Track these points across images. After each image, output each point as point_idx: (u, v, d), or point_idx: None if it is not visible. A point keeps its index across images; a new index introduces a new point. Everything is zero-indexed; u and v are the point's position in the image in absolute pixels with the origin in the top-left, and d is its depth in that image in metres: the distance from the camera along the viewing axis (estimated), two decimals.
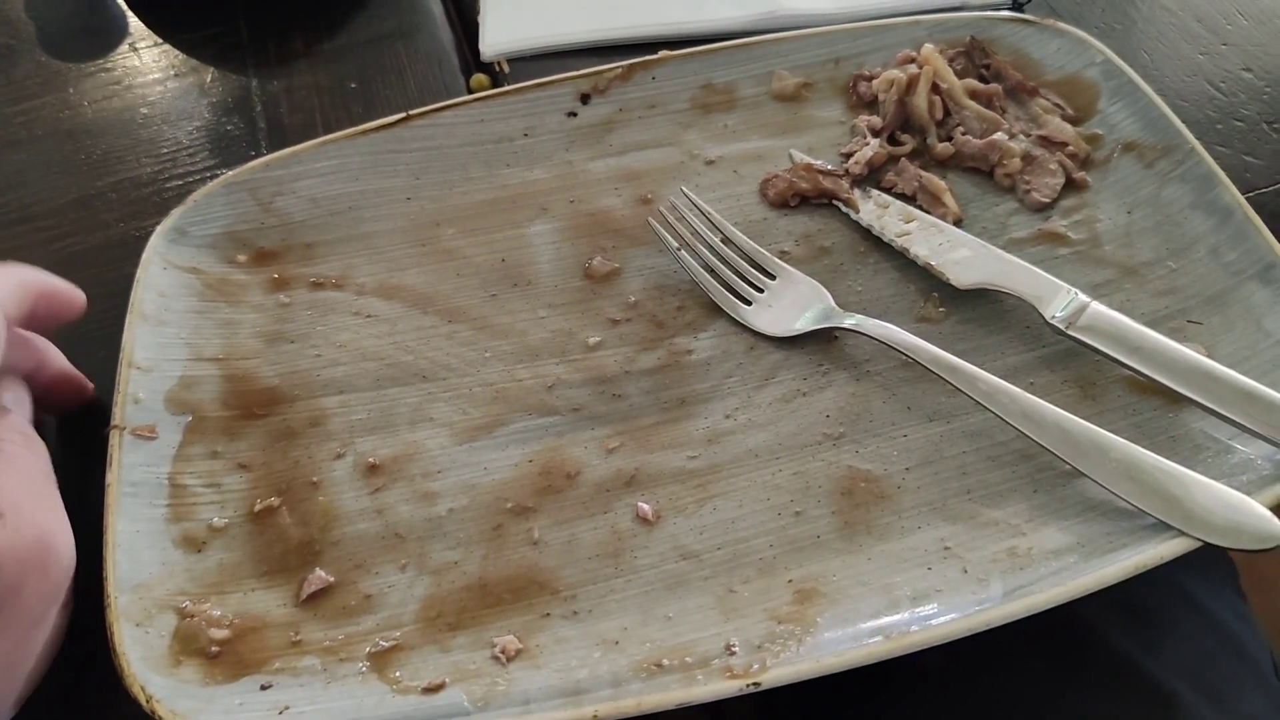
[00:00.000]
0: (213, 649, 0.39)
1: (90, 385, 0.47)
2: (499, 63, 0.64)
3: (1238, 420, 0.41)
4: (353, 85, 0.63)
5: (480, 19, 0.66)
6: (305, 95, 0.62)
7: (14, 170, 0.60)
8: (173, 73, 0.65)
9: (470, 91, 0.62)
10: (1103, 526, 0.41)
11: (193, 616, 0.40)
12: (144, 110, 0.63)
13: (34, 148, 0.61)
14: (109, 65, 0.66)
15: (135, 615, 0.39)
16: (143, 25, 0.68)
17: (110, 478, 0.42)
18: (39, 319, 0.43)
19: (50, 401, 0.45)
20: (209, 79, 0.64)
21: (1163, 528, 0.39)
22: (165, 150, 0.60)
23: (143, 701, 0.37)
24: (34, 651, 0.37)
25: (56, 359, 0.45)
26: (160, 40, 0.67)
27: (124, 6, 0.69)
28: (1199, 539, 0.39)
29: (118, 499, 0.42)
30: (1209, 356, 0.43)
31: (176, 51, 0.66)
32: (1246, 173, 0.54)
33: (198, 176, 0.58)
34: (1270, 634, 0.55)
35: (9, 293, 0.41)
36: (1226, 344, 0.46)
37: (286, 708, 0.38)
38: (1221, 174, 0.49)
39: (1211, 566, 0.56)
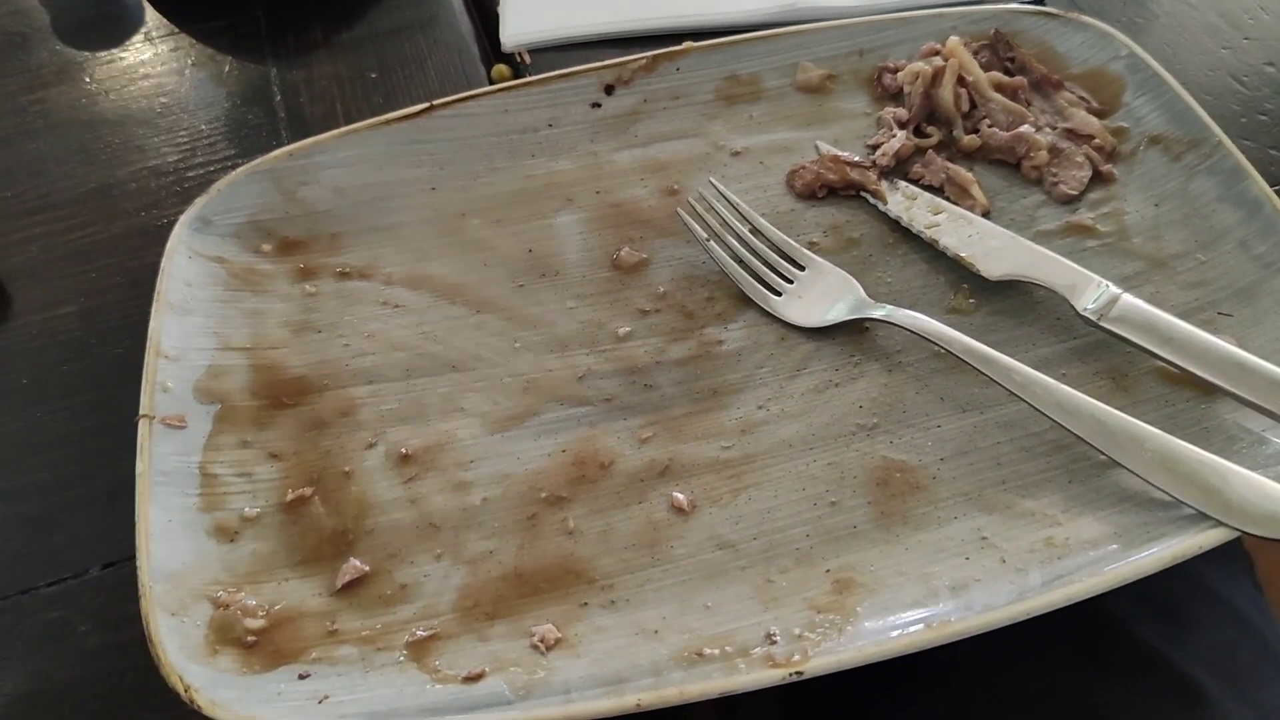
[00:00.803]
0: (249, 638, 0.39)
1: None
2: (520, 53, 0.64)
3: (1272, 410, 0.41)
4: (373, 75, 0.63)
5: (500, 9, 0.65)
6: (325, 85, 0.62)
7: (32, 159, 0.59)
8: (190, 62, 0.65)
9: (491, 82, 0.62)
10: (1139, 516, 0.41)
11: (228, 606, 0.40)
12: (162, 100, 0.62)
13: (51, 136, 0.61)
14: (125, 54, 0.65)
15: (171, 605, 0.39)
16: (158, 14, 0.68)
17: (141, 467, 0.42)
18: None
19: None
20: (227, 69, 0.64)
21: (1199, 518, 0.39)
22: (184, 140, 0.60)
23: (181, 691, 0.36)
24: None
25: None
26: (176, 30, 0.67)
27: None
28: (1238, 529, 0.39)
29: (149, 488, 0.42)
30: (1240, 348, 0.43)
31: (193, 41, 0.66)
32: (1272, 166, 0.55)
33: (218, 166, 0.58)
34: None
35: None
36: (1258, 336, 0.46)
37: (326, 697, 0.37)
38: (1250, 167, 0.49)
39: (1230, 559, 0.57)
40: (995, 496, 0.42)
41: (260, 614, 0.40)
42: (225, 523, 0.43)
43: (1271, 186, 0.49)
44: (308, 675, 0.38)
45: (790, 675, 0.36)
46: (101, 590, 0.43)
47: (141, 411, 0.43)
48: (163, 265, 0.48)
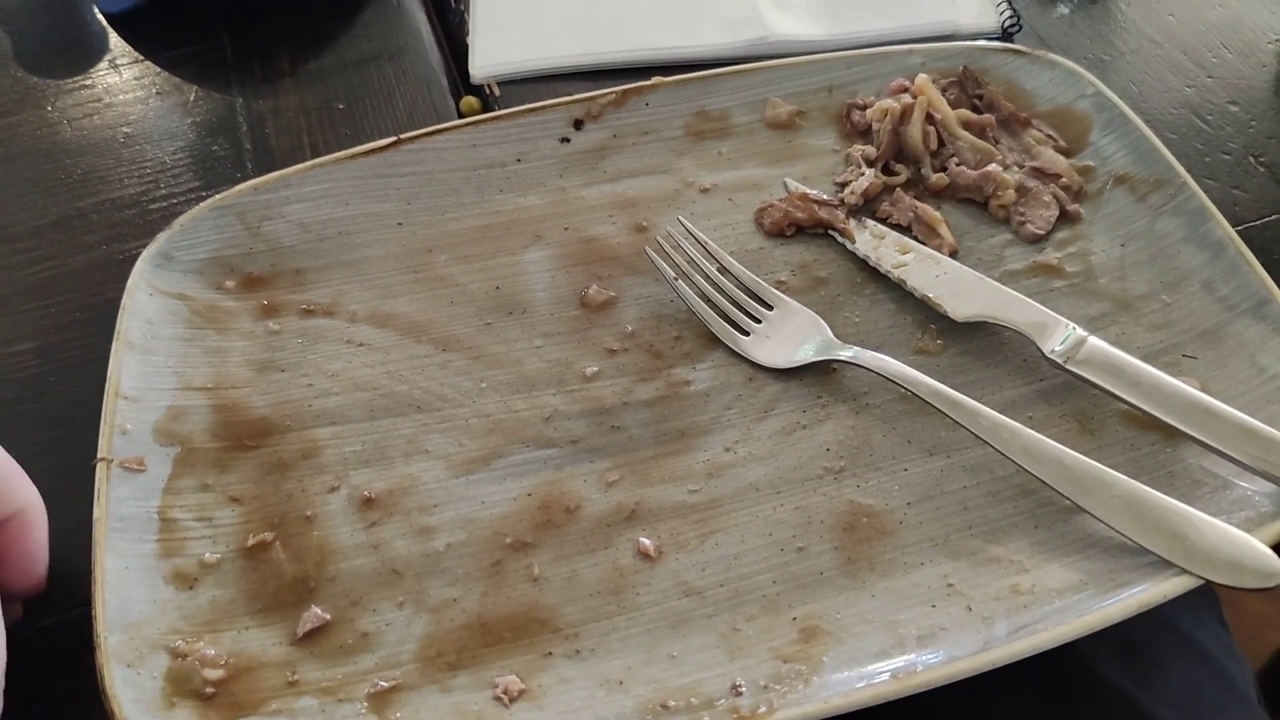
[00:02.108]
0: (207, 690, 0.38)
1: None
2: (489, 85, 0.63)
3: (1236, 457, 0.41)
4: (340, 106, 0.62)
5: (469, 40, 0.65)
6: (292, 116, 0.62)
7: None
8: (155, 91, 0.64)
9: (460, 114, 0.62)
10: (1105, 563, 0.41)
11: (186, 656, 0.39)
12: (125, 129, 0.61)
13: (11, 166, 0.60)
14: (89, 82, 0.65)
15: (126, 656, 0.38)
16: (123, 42, 0.67)
17: (98, 512, 0.41)
18: None
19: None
20: (192, 98, 0.63)
21: (1165, 565, 0.40)
22: (148, 171, 0.59)
23: None
24: None
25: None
26: (141, 57, 0.66)
27: (104, 22, 0.68)
28: (1202, 578, 0.39)
29: (106, 534, 0.41)
30: (1205, 392, 0.44)
31: (158, 69, 0.65)
32: (1235, 206, 0.55)
33: (182, 198, 0.57)
34: (1242, 650, 0.56)
35: None
36: (1221, 379, 0.46)
37: None
38: (1213, 209, 0.49)
39: (1197, 598, 0.57)
40: (962, 542, 0.42)
41: (219, 664, 0.39)
42: (184, 569, 0.42)
43: (1235, 226, 0.49)
44: None
45: None
46: (57, 638, 0.42)
47: (100, 454, 0.43)
48: (123, 302, 0.47)
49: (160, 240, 0.50)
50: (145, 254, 0.49)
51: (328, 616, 0.41)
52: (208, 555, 0.42)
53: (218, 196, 0.51)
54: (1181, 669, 0.51)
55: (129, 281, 0.48)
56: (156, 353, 0.47)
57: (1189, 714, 0.49)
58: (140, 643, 0.39)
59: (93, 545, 0.40)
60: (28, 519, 0.40)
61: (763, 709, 0.37)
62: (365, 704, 0.39)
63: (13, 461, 0.40)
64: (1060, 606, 0.39)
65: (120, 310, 0.47)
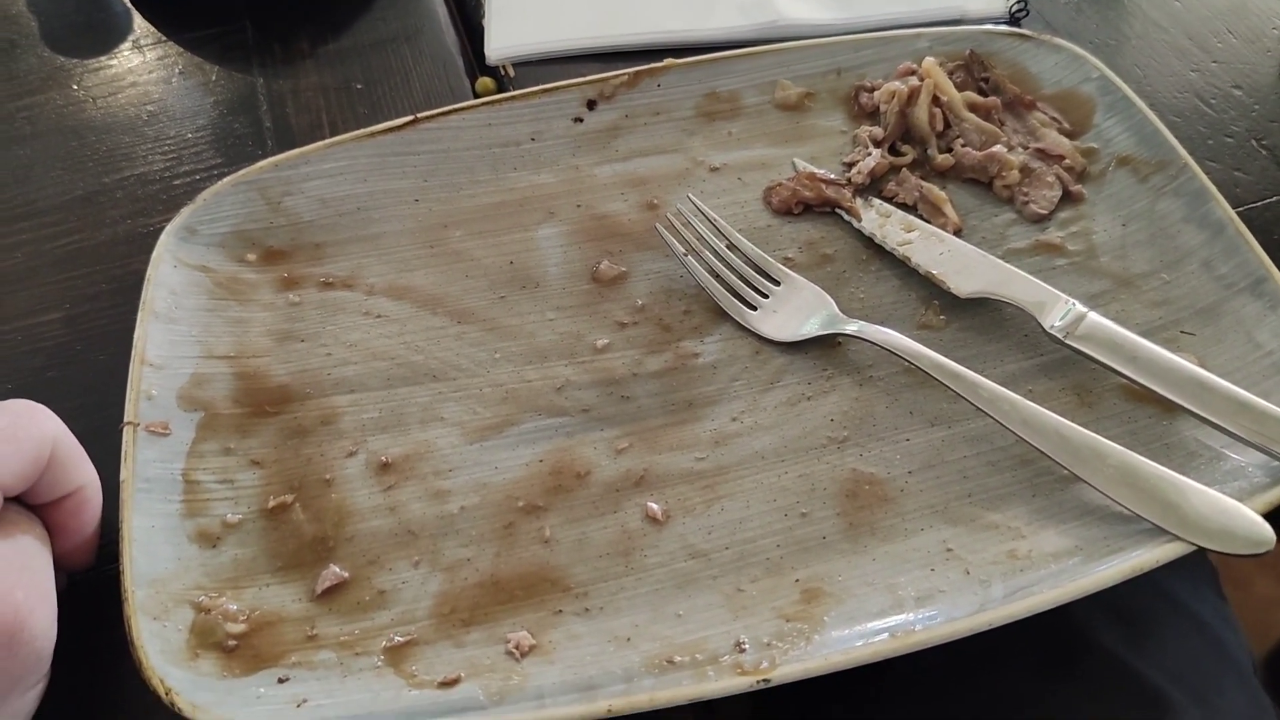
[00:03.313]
0: (230, 642, 0.40)
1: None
2: (504, 66, 0.65)
3: (1231, 429, 0.42)
4: (358, 86, 0.63)
5: (485, 23, 0.66)
6: (311, 96, 0.63)
7: (19, 165, 0.60)
8: (177, 70, 0.65)
9: (475, 95, 0.63)
10: (1100, 530, 0.42)
11: (209, 611, 0.41)
12: (149, 108, 0.63)
13: (38, 143, 0.61)
14: (112, 62, 0.66)
15: (153, 609, 0.40)
16: (146, 23, 0.68)
17: (125, 474, 0.43)
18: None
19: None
20: (214, 78, 0.65)
21: (1158, 532, 0.41)
22: (171, 148, 0.60)
23: (162, 694, 0.37)
24: None
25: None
26: (164, 38, 0.67)
27: (128, 4, 0.69)
28: (1193, 543, 0.40)
29: (133, 494, 0.42)
30: (1201, 367, 0.45)
31: (181, 49, 0.67)
32: (1236, 188, 0.56)
33: (204, 174, 0.59)
34: (1248, 633, 0.57)
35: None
36: (1218, 355, 0.47)
37: (305, 700, 0.38)
38: (1214, 190, 0.50)
39: (1194, 568, 0.58)
40: (961, 509, 0.44)
41: (241, 618, 0.41)
42: (207, 529, 0.43)
43: (1235, 208, 0.50)
44: (287, 679, 0.39)
45: (758, 683, 0.37)
46: (89, 594, 0.44)
47: (126, 419, 0.44)
48: (148, 273, 0.49)
49: (184, 214, 0.51)
50: (169, 227, 0.51)
51: (346, 574, 0.42)
52: (230, 516, 0.44)
53: (240, 172, 0.53)
54: (1178, 637, 0.52)
55: (154, 253, 0.49)
56: (180, 322, 0.49)
57: (1184, 681, 0.50)
58: (166, 597, 0.40)
59: (120, 505, 0.42)
60: (86, 495, 0.41)
61: (765, 664, 0.38)
62: (382, 657, 0.40)
63: (77, 443, 0.41)
64: (1056, 570, 0.41)
65: (145, 281, 0.49)
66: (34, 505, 0.40)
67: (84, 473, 0.41)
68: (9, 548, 0.36)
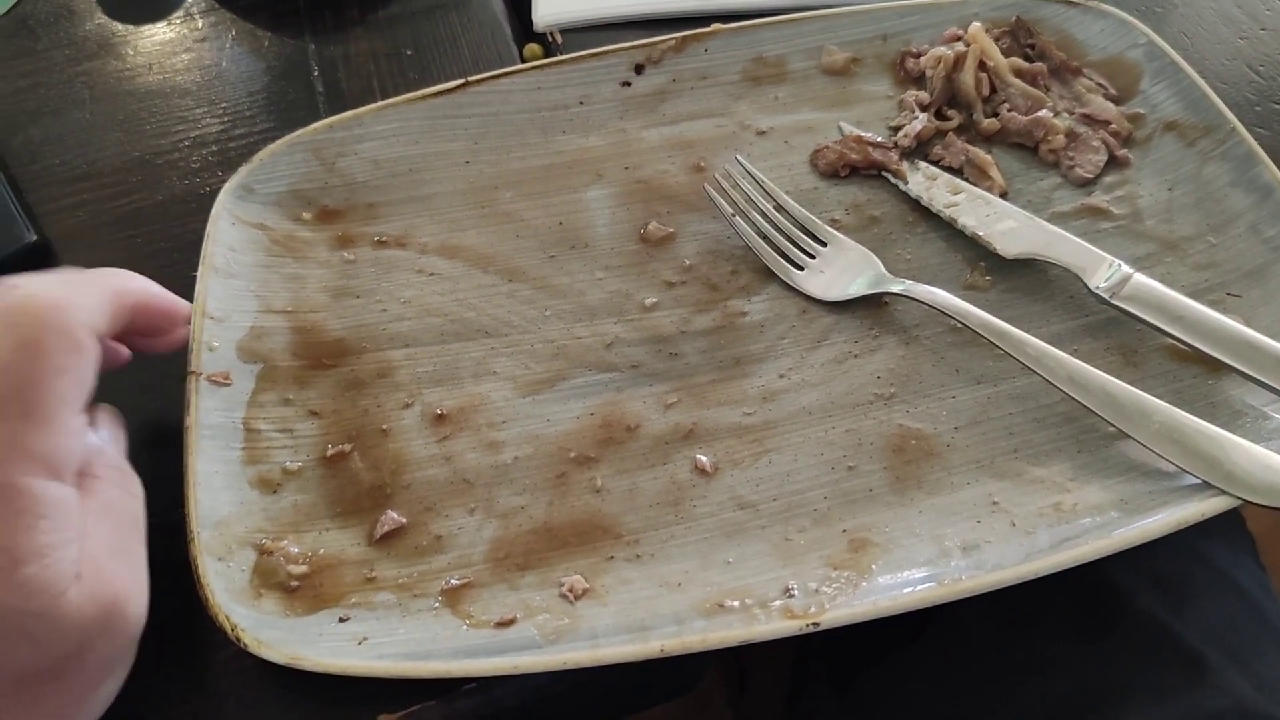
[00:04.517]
0: (292, 583, 0.41)
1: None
2: (551, 33, 0.65)
3: (1276, 387, 0.43)
4: (408, 52, 0.64)
5: None
6: (362, 62, 0.64)
7: (79, 128, 0.61)
8: (230, 37, 0.66)
9: (523, 60, 0.64)
10: (1145, 485, 0.42)
11: (271, 553, 0.42)
12: (203, 73, 0.64)
13: (97, 107, 0.62)
14: (167, 29, 0.67)
15: (217, 550, 0.41)
16: None
17: (188, 420, 0.44)
18: (136, 334, 0.43)
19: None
20: (266, 44, 0.66)
21: (1202, 487, 0.41)
22: (225, 112, 0.62)
23: (228, 630, 0.38)
24: (92, 713, 0.36)
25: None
26: (217, 5, 0.68)
27: None
28: (1240, 498, 0.40)
29: (196, 440, 0.43)
30: (1248, 327, 0.45)
31: (233, 17, 0.68)
32: None
33: (258, 138, 0.60)
34: None
35: (99, 305, 0.37)
36: (1265, 316, 0.47)
37: (365, 639, 0.39)
38: (1262, 153, 0.50)
39: (1233, 536, 0.58)
40: (1006, 464, 0.44)
41: (302, 561, 0.42)
42: (268, 475, 0.45)
43: None
44: (347, 619, 0.40)
45: (807, 626, 0.38)
46: (156, 536, 0.45)
47: (190, 368, 0.45)
48: (208, 230, 0.50)
49: (242, 173, 0.52)
50: (228, 185, 0.52)
51: (403, 520, 0.43)
52: (289, 463, 0.45)
53: (296, 133, 0.54)
54: (1216, 602, 0.53)
55: (213, 211, 0.51)
56: (239, 277, 0.50)
57: (1222, 645, 0.50)
58: (229, 539, 0.42)
59: (184, 451, 0.43)
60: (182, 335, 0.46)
61: (813, 609, 0.39)
62: (439, 599, 0.41)
63: (171, 294, 0.44)
64: (1100, 522, 0.41)
65: (205, 237, 0.50)
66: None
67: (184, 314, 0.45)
68: (108, 527, 0.36)
